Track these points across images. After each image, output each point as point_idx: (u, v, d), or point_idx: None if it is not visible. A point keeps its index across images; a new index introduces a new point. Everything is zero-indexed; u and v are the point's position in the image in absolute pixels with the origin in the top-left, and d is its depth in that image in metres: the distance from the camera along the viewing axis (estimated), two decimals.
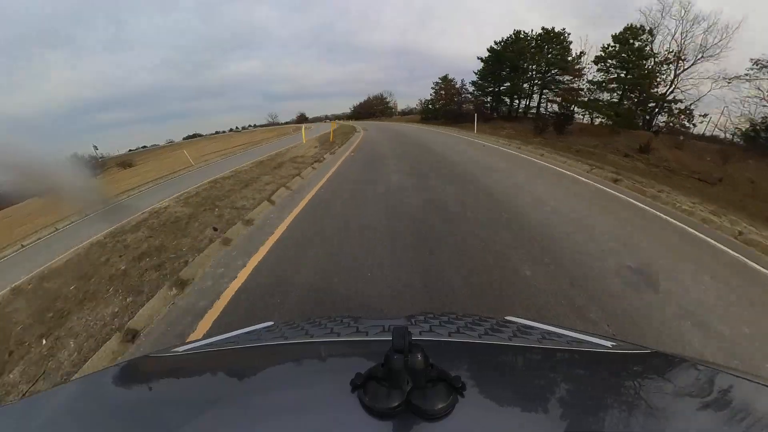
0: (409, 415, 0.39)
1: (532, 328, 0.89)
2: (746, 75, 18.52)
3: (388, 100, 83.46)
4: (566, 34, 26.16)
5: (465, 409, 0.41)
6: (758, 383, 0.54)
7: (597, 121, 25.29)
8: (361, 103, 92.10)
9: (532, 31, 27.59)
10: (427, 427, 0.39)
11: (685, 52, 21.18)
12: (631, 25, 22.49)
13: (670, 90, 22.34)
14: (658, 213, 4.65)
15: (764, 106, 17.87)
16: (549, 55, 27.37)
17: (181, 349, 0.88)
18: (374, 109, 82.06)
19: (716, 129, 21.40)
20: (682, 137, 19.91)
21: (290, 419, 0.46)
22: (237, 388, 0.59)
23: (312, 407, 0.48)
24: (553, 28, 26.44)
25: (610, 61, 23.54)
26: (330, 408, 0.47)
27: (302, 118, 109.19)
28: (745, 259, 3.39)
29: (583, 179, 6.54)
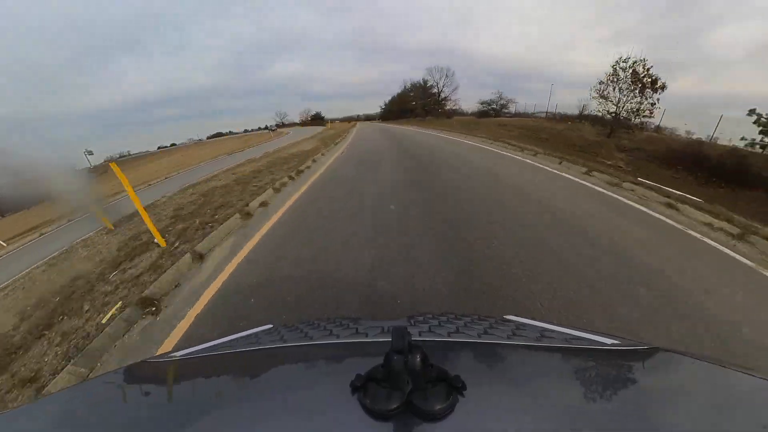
0: (410, 416, 0.39)
1: (530, 326, 0.89)
2: None
3: (437, 87, 47.58)
4: None
5: (465, 408, 0.41)
6: (759, 378, 0.54)
7: None
8: (393, 99, 61.20)
9: None
10: (427, 427, 0.38)
11: None
12: None
13: None
14: None
15: None
16: None
17: (179, 353, 0.88)
18: (413, 104, 50.96)
19: None
20: None
21: (290, 422, 0.46)
22: (236, 392, 0.59)
23: (312, 410, 0.48)
24: None
25: None
26: (330, 410, 0.46)
27: (314, 118, 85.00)
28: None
29: None
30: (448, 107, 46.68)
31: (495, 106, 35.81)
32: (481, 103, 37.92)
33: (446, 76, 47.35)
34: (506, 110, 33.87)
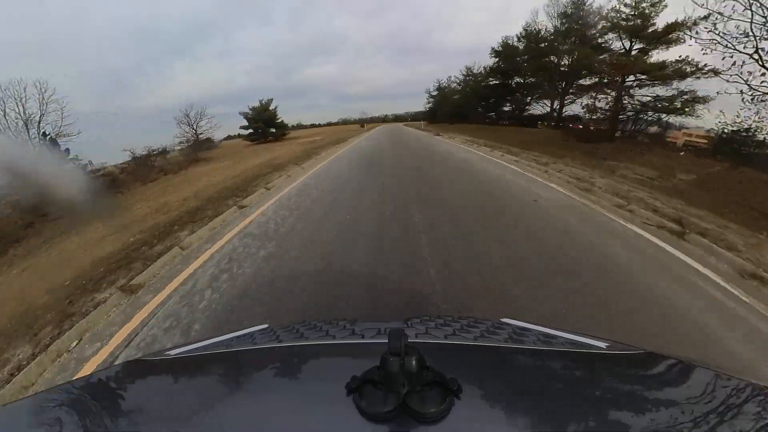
0: (405, 418, 0.39)
1: (527, 330, 0.89)
2: None
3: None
4: None
5: (461, 411, 0.41)
6: (748, 382, 0.55)
7: None
8: (470, 78, 30.61)
9: None
10: (423, 430, 0.38)
11: None
12: None
13: None
14: None
15: None
16: None
17: (173, 352, 0.87)
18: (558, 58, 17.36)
19: None
20: None
21: (285, 423, 0.46)
22: (230, 392, 0.59)
23: (307, 411, 0.48)
24: None
25: None
26: (325, 412, 0.46)
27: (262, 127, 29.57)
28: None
29: None
30: None
31: None
32: None
33: None
34: None
